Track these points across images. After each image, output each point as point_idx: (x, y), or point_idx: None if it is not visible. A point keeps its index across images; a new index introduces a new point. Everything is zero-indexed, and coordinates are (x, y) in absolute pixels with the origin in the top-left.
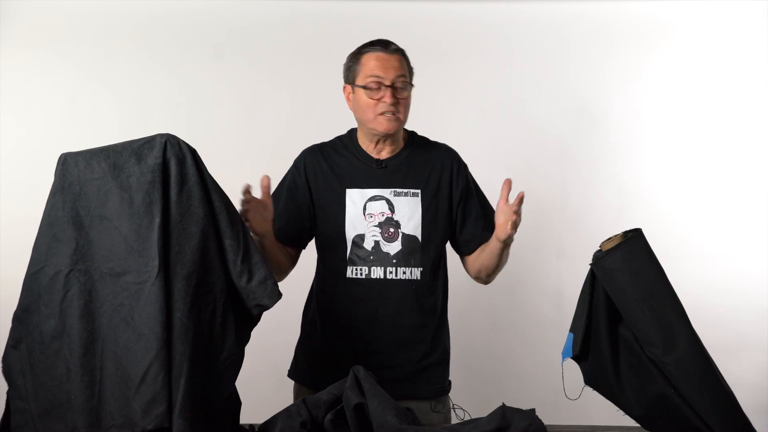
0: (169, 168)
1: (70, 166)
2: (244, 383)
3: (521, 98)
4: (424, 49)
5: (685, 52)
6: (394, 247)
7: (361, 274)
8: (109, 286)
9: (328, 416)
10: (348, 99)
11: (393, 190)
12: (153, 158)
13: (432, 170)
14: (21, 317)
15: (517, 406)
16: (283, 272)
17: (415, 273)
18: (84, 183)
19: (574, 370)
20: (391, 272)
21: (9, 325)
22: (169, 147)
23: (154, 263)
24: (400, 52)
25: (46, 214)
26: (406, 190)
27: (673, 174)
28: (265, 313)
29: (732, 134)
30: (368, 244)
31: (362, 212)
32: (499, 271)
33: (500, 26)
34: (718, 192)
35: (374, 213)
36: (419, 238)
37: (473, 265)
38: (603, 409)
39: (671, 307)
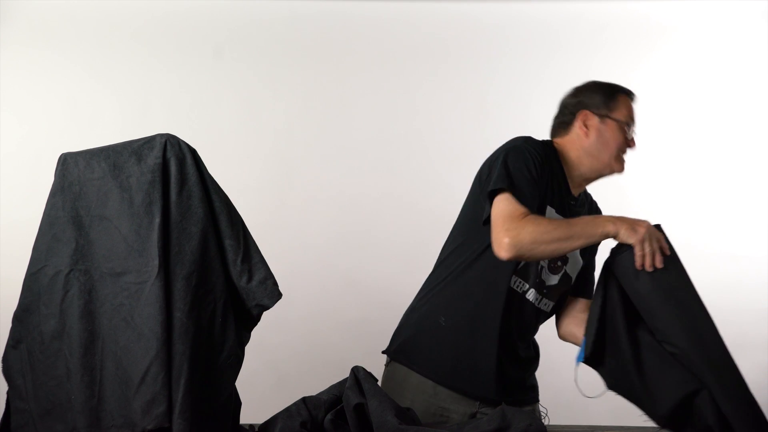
0: (169, 168)
1: (70, 166)
2: (244, 383)
3: (521, 98)
4: (424, 49)
5: (685, 52)
6: (552, 279)
7: (520, 288)
8: (109, 286)
9: (328, 416)
10: (586, 126)
11: None
12: (153, 158)
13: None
14: (21, 317)
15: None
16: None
17: (549, 305)
18: (84, 183)
19: (572, 370)
20: (538, 300)
21: (9, 325)
22: (169, 147)
23: (154, 263)
24: None
25: (46, 214)
26: None
27: (673, 174)
28: (265, 313)
29: (732, 134)
30: (537, 265)
31: None
32: None
33: (500, 26)
34: (718, 192)
35: None
36: (572, 280)
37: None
38: (603, 409)
39: (694, 300)
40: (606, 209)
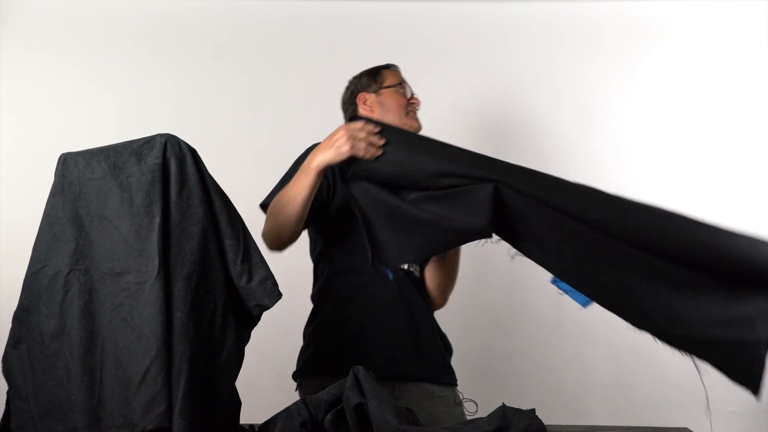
0: (169, 168)
1: (70, 166)
2: (244, 383)
3: (521, 98)
4: (423, 48)
5: (684, 52)
6: None
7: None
8: (109, 286)
9: (328, 416)
10: (365, 106)
11: None
12: (153, 158)
13: None
14: (21, 317)
15: (517, 406)
16: (293, 236)
17: (417, 268)
18: (84, 183)
19: (572, 370)
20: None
21: (9, 325)
22: (169, 147)
23: (154, 263)
24: None
25: (46, 214)
26: None
27: (673, 174)
28: (265, 313)
29: (731, 134)
30: None
31: None
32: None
33: (500, 26)
34: (718, 192)
35: None
36: None
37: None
38: (603, 409)
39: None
40: None
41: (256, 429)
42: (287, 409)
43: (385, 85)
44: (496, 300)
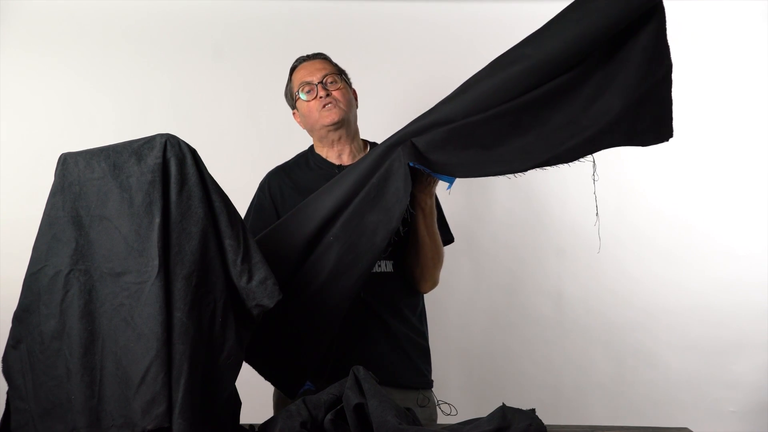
0: (169, 168)
1: (70, 166)
2: (244, 383)
3: None
4: (423, 48)
5: (684, 52)
6: None
7: None
8: (109, 286)
9: (328, 416)
10: (299, 122)
11: None
12: (153, 158)
13: None
14: (21, 317)
15: (517, 406)
16: None
17: (388, 264)
18: (84, 183)
19: (572, 370)
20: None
21: (9, 325)
22: (169, 147)
23: (154, 263)
24: (322, 56)
25: (46, 214)
26: None
27: (673, 174)
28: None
29: (731, 134)
30: None
31: None
32: (430, 266)
33: (500, 26)
34: (718, 192)
35: None
36: None
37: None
38: (603, 409)
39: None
40: (606, 209)
41: (256, 429)
42: (287, 409)
43: (294, 97)
44: (496, 300)
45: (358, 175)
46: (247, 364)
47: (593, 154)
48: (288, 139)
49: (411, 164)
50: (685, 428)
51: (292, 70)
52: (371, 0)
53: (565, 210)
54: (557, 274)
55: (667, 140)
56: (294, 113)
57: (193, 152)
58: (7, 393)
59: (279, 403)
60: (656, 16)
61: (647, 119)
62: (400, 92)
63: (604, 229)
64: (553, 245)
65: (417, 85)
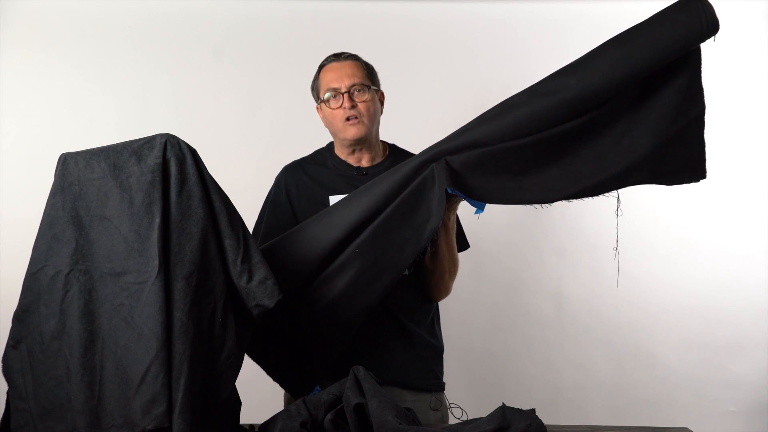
0: (169, 168)
1: (70, 166)
2: (244, 383)
3: None
4: (423, 48)
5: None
6: None
7: None
8: (109, 286)
9: (328, 416)
10: (321, 118)
11: None
12: (153, 158)
13: None
14: (21, 317)
15: (517, 406)
16: None
17: None
18: (84, 183)
19: (572, 370)
20: None
21: (9, 325)
22: (169, 147)
23: (154, 263)
24: (353, 58)
25: (46, 214)
26: None
27: None
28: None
29: (731, 134)
30: None
31: None
32: (444, 278)
33: (500, 26)
34: (718, 192)
35: None
36: None
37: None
38: (603, 409)
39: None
40: (605, 209)
41: (256, 429)
42: (287, 409)
43: (322, 97)
44: (496, 300)
45: (388, 188)
46: (248, 364)
47: (618, 190)
48: (288, 139)
49: (449, 190)
50: (685, 428)
51: (321, 67)
52: (371, 0)
53: (565, 210)
54: (558, 274)
55: (698, 181)
56: (317, 108)
57: (193, 152)
58: (7, 393)
59: (289, 403)
60: (692, 56)
61: (675, 159)
62: (400, 92)
63: (605, 229)
64: (553, 245)
65: (417, 85)
